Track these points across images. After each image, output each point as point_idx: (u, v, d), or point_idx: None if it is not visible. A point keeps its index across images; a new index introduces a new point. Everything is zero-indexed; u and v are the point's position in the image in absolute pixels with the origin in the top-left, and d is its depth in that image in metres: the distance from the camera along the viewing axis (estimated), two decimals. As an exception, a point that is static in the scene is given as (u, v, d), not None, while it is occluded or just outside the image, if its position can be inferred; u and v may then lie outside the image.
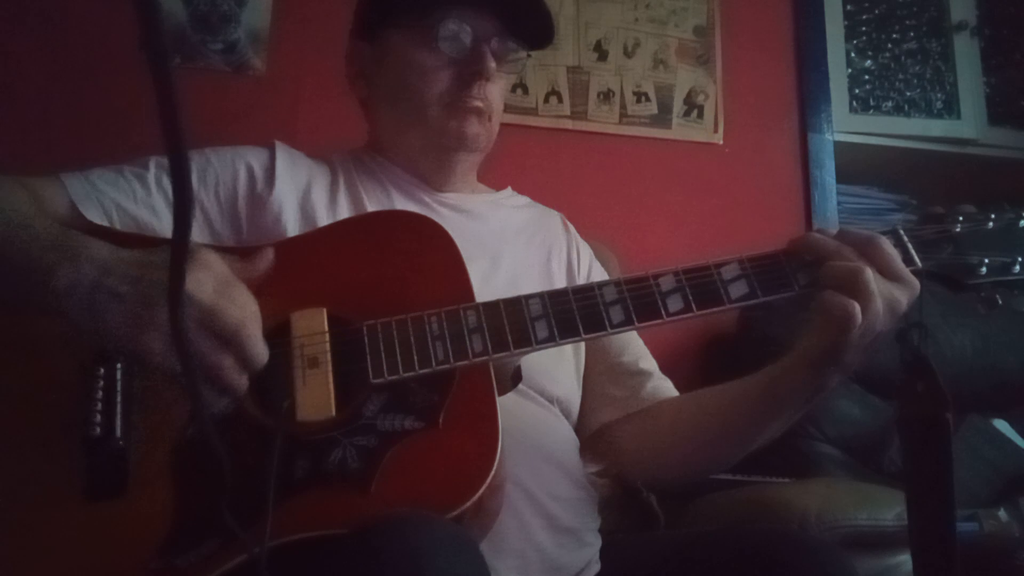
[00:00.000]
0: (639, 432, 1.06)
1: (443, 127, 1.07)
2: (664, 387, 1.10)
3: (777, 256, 0.86)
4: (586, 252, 1.22)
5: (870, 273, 0.80)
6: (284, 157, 1.06)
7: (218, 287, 0.74)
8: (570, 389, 1.07)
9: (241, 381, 0.76)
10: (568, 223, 1.24)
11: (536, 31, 1.13)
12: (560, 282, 1.13)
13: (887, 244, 0.82)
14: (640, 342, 1.16)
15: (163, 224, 0.95)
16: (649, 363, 1.13)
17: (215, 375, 0.74)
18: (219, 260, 0.77)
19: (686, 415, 1.05)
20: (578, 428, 1.08)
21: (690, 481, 1.14)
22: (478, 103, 1.07)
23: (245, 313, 0.75)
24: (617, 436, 1.07)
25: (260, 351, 0.76)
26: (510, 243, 1.12)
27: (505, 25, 1.09)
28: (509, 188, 1.24)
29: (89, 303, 0.74)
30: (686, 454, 1.04)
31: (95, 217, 0.93)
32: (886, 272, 0.81)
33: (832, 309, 0.79)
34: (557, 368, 1.06)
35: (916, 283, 0.82)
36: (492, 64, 1.06)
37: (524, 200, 1.24)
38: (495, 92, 1.09)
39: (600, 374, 1.11)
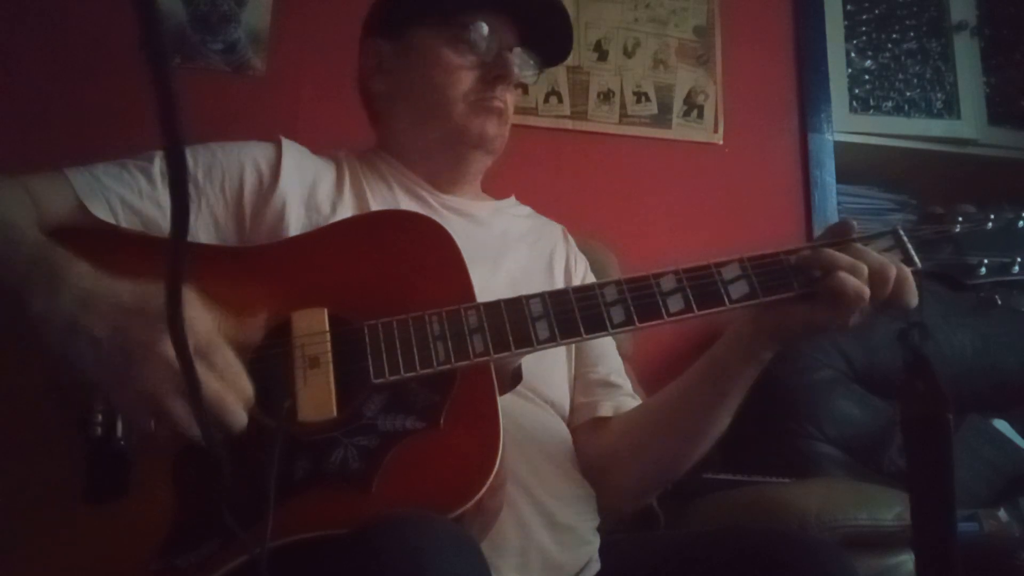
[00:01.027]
0: (599, 444, 1.05)
1: (466, 124, 1.09)
2: (630, 404, 1.10)
3: (777, 256, 0.86)
4: (583, 264, 1.22)
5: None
6: (291, 154, 1.06)
7: (200, 349, 0.71)
8: (563, 394, 1.08)
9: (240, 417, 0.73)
10: (568, 235, 1.25)
11: (552, 47, 1.17)
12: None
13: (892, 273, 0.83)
14: (618, 358, 1.17)
15: (168, 219, 0.94)
16: (620, 379, 1.13)
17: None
18: (205, 316, 0.74)
19: (640, 423, 1.05)
20: None
21: (650, 495, 1.13)
22: (500, 104, 1.10)
23: (226, 380, 0.72)
24: (581, 446, 1.06)
25: (237, 422, 0.73)
26: (512, 248, 1.13)
27: (524, 38, 1.12)
28: (512, 197, 1.25)
29: (65, 341, 0.73)
30: (644, 461, 1.03)
31: (101, 213, 0.93)
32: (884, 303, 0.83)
33: (846, 290, 0.81)
34: (552, 372, 1.06)
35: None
36: (515, 69, 1.10)
37: (527, 210, 1.25)
38: (511, 98, 1.13)
39: (572, 381, 1.11)
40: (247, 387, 0.74)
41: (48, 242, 0.81)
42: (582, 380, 1.11)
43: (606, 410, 1.08)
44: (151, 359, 0.71)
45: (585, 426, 1.08)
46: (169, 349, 0.67)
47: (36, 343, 0.74)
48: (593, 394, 1.10)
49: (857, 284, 0.81)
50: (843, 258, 0.83)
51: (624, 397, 1.10)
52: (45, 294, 0.74)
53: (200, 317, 0.73)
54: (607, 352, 1.15)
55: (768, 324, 0.89)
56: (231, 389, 0.73)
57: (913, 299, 0.83)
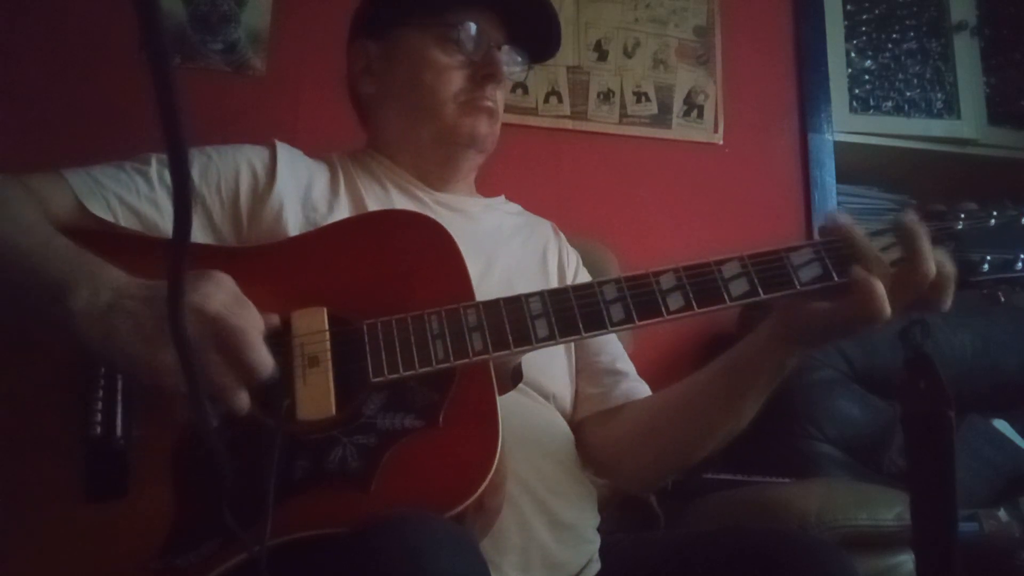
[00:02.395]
0: (609, 431, 1.06)
1: (456, 125, 1.09)
2: (638, 389, 1.10)
3: (778, 254, 0.86)
4: (575, 258, 1.23)
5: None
6: (285, 155, 1.07)
7: (227, 301, 0.74)
8: (563, 385, 1.08)
9: (241, 401, 0.75)
10: (558, 231, 1.25)
11: (541, 43, 1.17)
12: (554, 284, 1.13)
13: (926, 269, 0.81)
14: (619, 344, 1.17)
15: (166, 219, 0.95)
16: (625, 364, 1.14)
17: (218, 393, 0.73)
18: (231, 280, 0.76)
19: (655, 411, 1.05)
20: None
21: (665, 479, 1.14)
22: (490, 104, 1.10)
23: (249, 323, 0.74)
24: (590, 435, 1.07)
25: (264, 359, 0.74)
26: (504, 244, 1.13)
27: (512, 34, 1.12)
28: (502, 196, 1.25)
29: (103, 324, 0.73)
30: (658, 450, 1.04)
31: (99, 212, 0.93)
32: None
33: (867, 292, 0.79)
34: (551, 365, 1.06)
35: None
36: (504, 68, 1.10)
37: (516, 207, 1.26)
38: (501, 96, 1.13)
39: (577, 372, 1.12)
40: (266, 363, 0.75)
41: (77, 247, 0.81)
42: (587, 370, 1.11)
43: (617, 399, 1.08)
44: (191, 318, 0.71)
45: (596, 417, 1.08)
46: (196, 298, 0.71)
47: (70, 335, 0.74)
48: (600, 384, 1.10)
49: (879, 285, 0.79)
50: (870, 250, 0.81)
51: (632, 383, 1.11)
52: (87, 290, 0.75)
53: (227, 279, 0.76)
54: (609, 339, 1.15)
55: (788, 326, 0.88)
56: (256, 329, 0.74)
57: (947, 299, 0.81)
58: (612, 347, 1.15)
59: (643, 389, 1.11)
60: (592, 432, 1.07)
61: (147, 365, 0.72)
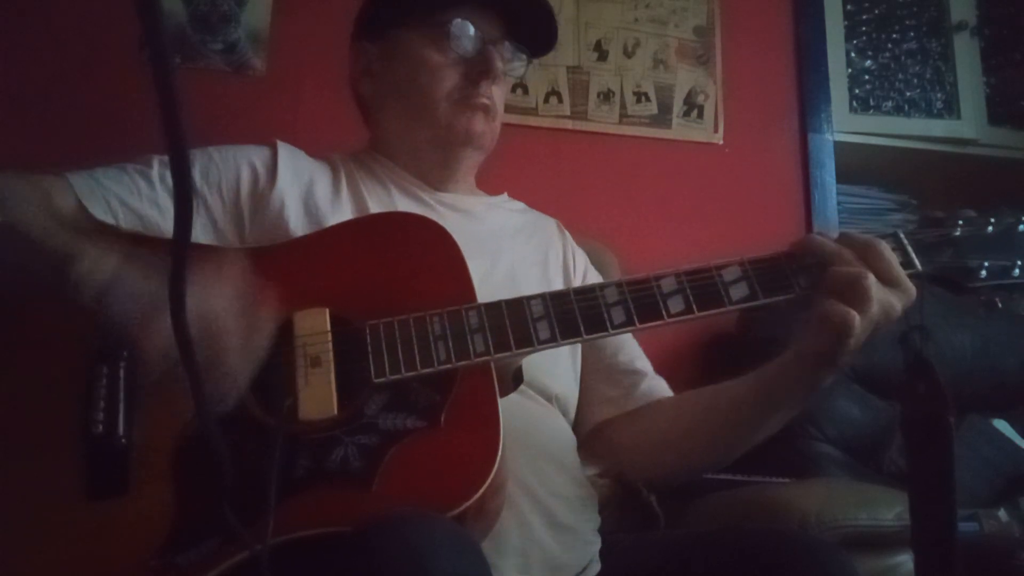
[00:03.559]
0: (635, 431, 1.07)
1: (451, 123, 1.09)
2: (658, 387, 1.11)
3: (778, 258, 0.86)
4: (582, 258, 1.23)
5: (871, 279, 0.80)
6: (286, 155, 1.07)
7: (232, 300, 0.75)
8: (568, 387, 1.08)
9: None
10: (563, 229, 1.25)
11: (539, 38, 1.16)
12: (557, 283, 1.14)
13: (886, 249, 0.83)
14: (635, 343, 1.17)
15: (167, 220, 0.95)
16: (644, 363, 1.14)
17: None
18: (242, 281, 0.77)
19: (683, 414, 1.06)
20: (575, 427, 1.09)
21: (686, 479, 1.15)
22: (485, 101, 1.09)
23: (238, 334, 0.74)
24: (613, 435, 1.08)
25: (227, 382, 0.74)
26: (508, 243, 1.13)
27: (509, 30, 1.12)
28: (505, 194, 1.25)
29: (107, 286, 0.74)
30: (683, 452, 1.05)
31: (101, 214, 0.93)
32: (885, 277, 0.82)
33: (832, 317, 0.80)
34: (555, 366, 1.06)
35: (913, 289, 0.83)
36: (499, 65, 1.09)
37: (520, 205, 1.26)
38: (499, 93, 1.13)
39: (595, 373, 1.12)
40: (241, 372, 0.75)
41: (79, 232, 0.82)
42: (606, 370, 1.12)
43: (638, 399, 1.09)
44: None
45: (618, 417, 1.09)
46: (212, 292, 0.72)
47: (73, 284, 0.76)
48: (620, 384, 1.11)
49: (851, 272, 0.80)
50: (830, 245, 0.83)
51: (652, 381, 1.12)
52: (93, 256, 0.76)
53: (237, 280, 0.77)
54: (626, 338, 1.15)
55: (810, 347, 0.86)
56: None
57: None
58: (629, 347, 1.15)
59: (663, 386, 1.12)
60: (614, 432, 1.08)
61: (144, 331, 0.72)
